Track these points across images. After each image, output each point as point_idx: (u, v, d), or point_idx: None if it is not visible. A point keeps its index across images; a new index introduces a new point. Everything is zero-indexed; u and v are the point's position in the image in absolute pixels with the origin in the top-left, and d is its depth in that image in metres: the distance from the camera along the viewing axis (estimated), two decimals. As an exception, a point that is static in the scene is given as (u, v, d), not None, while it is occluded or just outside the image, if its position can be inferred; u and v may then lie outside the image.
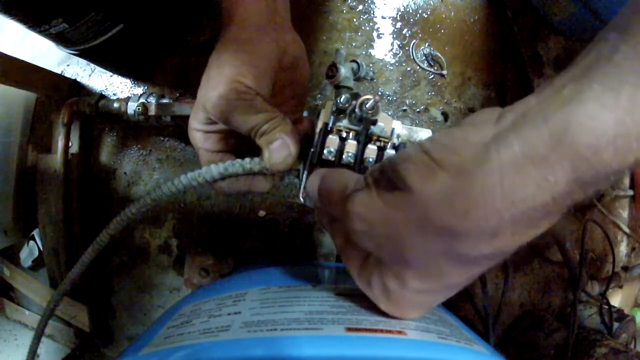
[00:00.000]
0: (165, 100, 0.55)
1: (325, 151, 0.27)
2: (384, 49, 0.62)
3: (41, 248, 0.63)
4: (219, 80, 0.28)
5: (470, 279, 0.22)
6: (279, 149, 0.28)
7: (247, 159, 0.29)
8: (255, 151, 0.29)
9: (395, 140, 0.28)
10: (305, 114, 0.40)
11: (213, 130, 0.31)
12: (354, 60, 0.60)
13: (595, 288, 0.69)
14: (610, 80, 0.16)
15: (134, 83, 0.63)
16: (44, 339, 0.66)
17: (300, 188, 0.30)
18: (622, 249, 0.77)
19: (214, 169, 0.29)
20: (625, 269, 0.75)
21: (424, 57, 0.63)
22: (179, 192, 0.30)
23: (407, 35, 0.62)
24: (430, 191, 0.18)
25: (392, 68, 0.62)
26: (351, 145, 0.27)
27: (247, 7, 0.30)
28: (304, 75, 0.35)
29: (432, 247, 0.19)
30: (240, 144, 0.33)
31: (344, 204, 0.22)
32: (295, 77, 0.34)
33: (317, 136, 0.28)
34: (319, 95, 0.60)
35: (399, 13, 0.62)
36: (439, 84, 0.63)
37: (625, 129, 0.15)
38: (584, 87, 0.16)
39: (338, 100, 0.28)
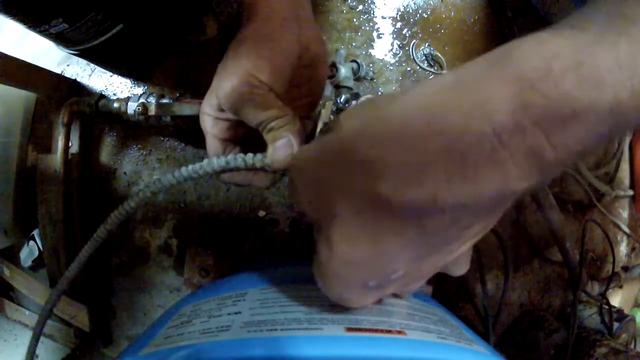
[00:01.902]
0: (165, 100, 0.55)
1: (325, 151, 0.27)
2: (384, 49, 0.62)
3: (41, 248, 0.63)
4: (234, 72, 0.28)
5: (409, 258, 0.18)
6: (283, 147, 0.28)
7: (250, 154, 0.29)
8: (263, 145, 0.29)
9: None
10: None
11: (223, 118, 0.31)
12: (354, 60, 0.60)
13: (595, 288, 0.69)
14: (574, 21, 0.14)
15: (134, 83, 0.63)
16: (44, 339, 0.66)
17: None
18: (622, 249, 0.77)
19: (216, 162, 0.29)
20: (625, 269, 0.75)
21: (424, 57, 0.63)
22: (179, 184, 0.30)
23: (407, 35, 0.62)
24: (353, 122, 0.17)
25: (392, 68, 0.62)
26: (351, 145, 0.27)
27: (271, 1, 0.30)
28: (323, 74, 0.35)
29: (354, 188, 0.17)
30: (250, 134, 0.32)
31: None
32: (314, 75, 0.33)
33: (317, 136, 0.28)
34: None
35: (399, 13, 0.62)
36: (439, 84, 0.63)
37: (592, 58, 0.13)
38: (542, 30, 0.14)
39: (338, 100, 0.28)
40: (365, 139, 0.16)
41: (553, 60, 0.13)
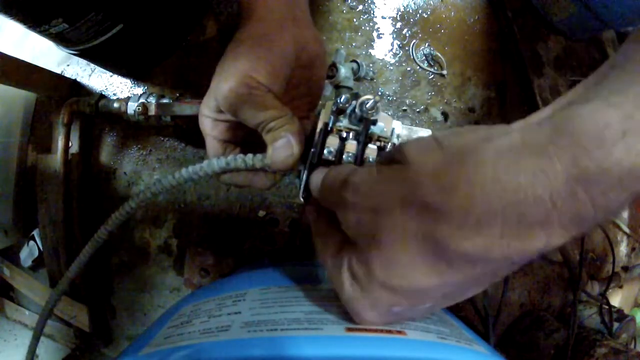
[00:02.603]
0: (165, 100, 0.55)
1: (325, 151, 0.27)
2: (384, 49, 0.62)
3: (41, 248, 0.63)
4: (232, 73, 0.28)
5: (441, 296, 0.20)
6: (282, 147, 0.28)
7: (250, 155, 0.29)
8: (263, 145, 0.29)
9: (395, 140, 0.28)
10: None
11: (222, 119, 0.31)
12: (354, 60, 0.60)
13: (595, 288, 0.69)
14: (618, 83, 0.15)
15: (134, 83, 0.63)
16: (44, 339, 0.66)
17: (300, 188, 0.30)
18: (622, 249, 0.77)
19: (216, 163, 0.29)
20: (625, 269, 0.75)
21: (424, 57, 0.63)
22: (179, 185, 0.30)
23: (407, 35, 0.62)
24: (423, 163, 0.18)
25: (392, 68, 0.62)
26: (351, 145, 0.27)
27: (267, 2, 0.30)
28: (321, 74, 0.35)
29: (411, 225, 0.18)
30: (249, 136, 0.33)
31: (344, 179, 0.22)
32: (312, 75, 0.33)
33: (317, 136, 0.28)
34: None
35: (399, 13, 0.62)
36: (439, 84, 0.63)
37: (635, 123, 0.14)
38: (590, 90, 0.16)
39: (338, 100, 0.27)
40: (435, 183, 0.17)
41: (605, 130, 0.14)
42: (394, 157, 0.20)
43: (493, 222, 0.16)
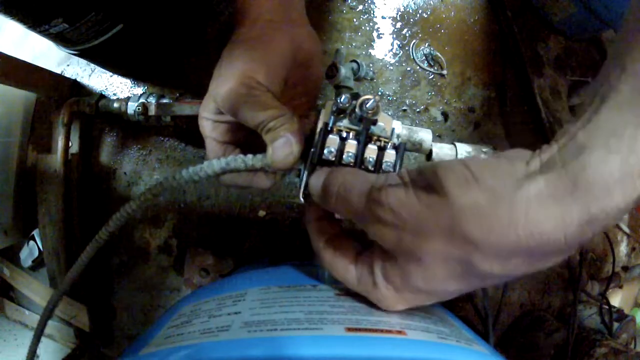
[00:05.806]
0: (165, 100, 0.55)
1: (325, 151, 0.27)
2: (384, 49, 0.62)
3: (41, 248, 0.63)
4: (230, 75, 0.28)
5: (465, 291, 0.23)
6: (282, 146, 0.28)
7: (250, 155, 0.29)
8: (262, 147, 0.29)
9: (395, 140, 0.28)
10: None
11: (222, 121, 0.31)
12: (354, 60, 0.60)
13: (595, 288, 0.69)
14: (613, 124, 0.18)
15: (134, 83, 0.63)
16: (43, 338, 0.66)
17: (300, 188, 0.30)
18: (622, 249, 0.77)
19: (216, 164, 0.29)
20: (625, 269, 0.75)
21: (424, 57, 0.63)
22: (180, 187, 0.30)
23: (407, 35, 0.62)
24: (464, 201, 0.20)
25: (392, 68, 0.62)
26: (351, 145, 0.27)
27: (261, 4, 0.30)
28: (318, 72, 0.35)
29: (451, 252, 0.21)
30: (249, 136, 0.32)
31: (374, 196, 0.23)
32: (309, 74, 0.34)
33: (317, 136, 0.28)
34: (320, 95, 0.60)
35: (399, 13, 0.62)
36: (439, 84, 0.63)
37: (629, 167, 0.17)
38: (592, 134, 0.18)
39: (338, 100, 0.27)
40: (476, 222, 0.20)
41: (609, 180, 0.17)
42: (430, 182, 0.21)
43: (519, 255, 0.20)
